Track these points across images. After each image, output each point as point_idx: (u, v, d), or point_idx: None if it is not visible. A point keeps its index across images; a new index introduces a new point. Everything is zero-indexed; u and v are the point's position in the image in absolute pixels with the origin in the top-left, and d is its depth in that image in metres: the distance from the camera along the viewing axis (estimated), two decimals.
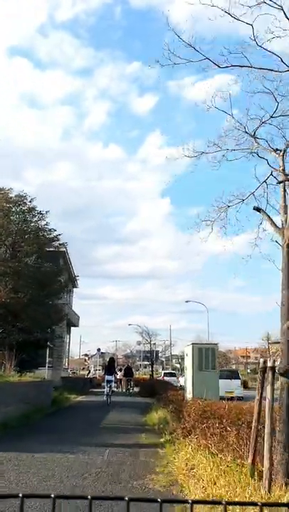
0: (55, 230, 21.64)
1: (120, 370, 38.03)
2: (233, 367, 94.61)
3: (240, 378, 28.23)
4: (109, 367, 23.06)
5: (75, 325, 36.20)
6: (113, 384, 23.24)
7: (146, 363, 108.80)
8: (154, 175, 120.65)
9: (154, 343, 38.11)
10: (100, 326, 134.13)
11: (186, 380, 14.91)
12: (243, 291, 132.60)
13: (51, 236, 21.05)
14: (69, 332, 36.09)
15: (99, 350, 55.18)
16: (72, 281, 37.02)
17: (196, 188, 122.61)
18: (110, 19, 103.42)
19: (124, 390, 34.58)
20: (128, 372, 34.51)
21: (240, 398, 21.07)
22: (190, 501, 0.91)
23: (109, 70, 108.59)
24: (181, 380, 37.49)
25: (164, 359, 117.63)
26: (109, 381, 21.92)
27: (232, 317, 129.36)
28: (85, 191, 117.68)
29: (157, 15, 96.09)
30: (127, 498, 0.90)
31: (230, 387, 23.53)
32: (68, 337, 36.13)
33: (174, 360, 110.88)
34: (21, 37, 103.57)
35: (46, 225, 20.83)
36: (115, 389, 26.21)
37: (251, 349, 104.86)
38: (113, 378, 23.19)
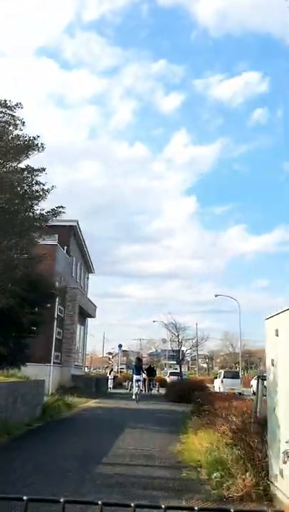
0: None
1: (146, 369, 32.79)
2: (261, 368, 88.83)
3: (240, 378, 33.68)
4: (137, 367, 23.15)
5: (91, 315, 30.33)
6: (141, 384, 23.14)
7: (172, 362, 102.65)
8: (179, 173, 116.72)
9: (182, 340, 31.65)
10: (123, 324, 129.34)
11: (270, 382, 9.05)
12: (268, 291, 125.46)
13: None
14: (84, 324, 30.22)
15: (120, 346, 49.56)
16: (86, 265, 31.19)
17: (222, 186, 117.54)
18: (137, 18, 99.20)
19: (147, 391, 29.56)
20: (150, 372, 29.98)
21: (240, 394, 24.72)
22: (196, 508, 0.89)
23: (135, 69, 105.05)
24: (216, 383, 31.65)
25: (189, 359, 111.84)
26: (137, 381, 22.22)
27: (257, 317, 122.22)
28: (109, 190, 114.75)
29: (184, 13, 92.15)
30: (132, 505, 0.89)
31: (233, 385, 28.68)
32: (83, 329, 30.24)
33: (200, 360, 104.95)
34: (48, 38, 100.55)
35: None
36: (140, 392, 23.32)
37: None
38: (141, 378, 23.13)
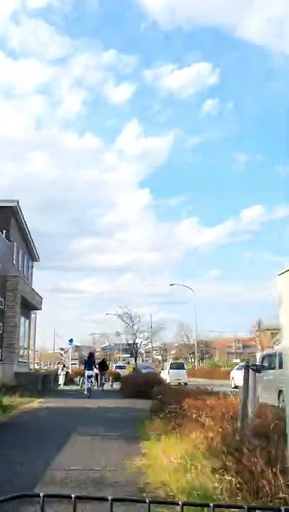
0: None
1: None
2: (216, 358, 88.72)
3: (185, 369, 35.03)
4: (89, 362, 22.68)
5: (37, 307, 27.64)
6: (93, 379, 23.11)
7: (126, 355, 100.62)
8: (132, 165, 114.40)
9: (136, 332, 29.40)
10: (77, 320, 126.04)
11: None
12: (221, 281, 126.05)
13: None
14: (28, 316, 27.48)
15: (71, 341, 47.00)
16: (30, 252, 28.41)
17: (176, 177, 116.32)
18: (86, 7, 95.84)
19: (99, 388, 27.46)
20: (102, 366, 28.01)
21: (185, 384, 27.07)
22: (180, 503, 0.88)
23: (85, 59, 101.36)
24: (163, 375, 29.84)
25: (143, 351, 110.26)
26: (89, 376, 21.85)
27: (211, 307, 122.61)
28: (61, 182, 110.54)
29: (133, 2, 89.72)
30: (147, 501, 0.92)
31: (179, 375, 30.25)
32: (28, 322, 27.51)
33: (154, 352, 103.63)
34: None
35: None
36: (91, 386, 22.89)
37: (234, 339, 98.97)
38: (93, 373, 22.89)
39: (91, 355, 24.03)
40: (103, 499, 0.94)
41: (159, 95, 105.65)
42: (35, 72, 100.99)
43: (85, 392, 20.84)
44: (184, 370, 33.47)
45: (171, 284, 49.47)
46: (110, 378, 30.25)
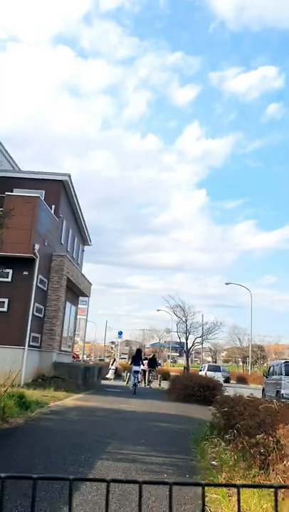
0: None
1: (146, 359, 28.24)
2: (269, 362, 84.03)
3: (221, 371, 35.98)
4: (137, 357, 21.32)
5: (85, 294, 25.29)
6: (139, 376, 22.07)
7: (174, 354, 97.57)
8: (190, 166, 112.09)
9: (189, 327, 26.02)
10: (128, 315, 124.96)
11: None
12: (276, 288, 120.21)
13: None
14: (75, 303, 25.20)
15: (120, 333, 44.64)
16: (81, 234, 26.08)
17: (234, 180, 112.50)
18: (155, 8, 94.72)
19: (146, 385, 25.97)
20: (152, 363, 26.54)
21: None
22: (203, 483, 0.87)
23: (152, 59, 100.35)
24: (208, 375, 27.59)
25: (193, 352, 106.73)
26: (136, 371, 20.88)
27: (264, 313, 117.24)
28: (120, 181, 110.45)
29: (202, 4, 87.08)
30: (108, 479, 0.86)
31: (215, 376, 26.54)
32: (75, 309, 25.24)
33: (203, 353, 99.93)
34: (65, 25, 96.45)
35: None
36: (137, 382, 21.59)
37: (286, 345, 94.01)
38: (140, 369, 21.62)
39: (139, 351, 22.73)
40: (101, 480, 0.87)
41: (222, 98, 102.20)
42: (103, 73, 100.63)
43: (131, 388, 20.29)
44: (220, 373, 34.09)
45: (227, 283, 45.91)
46: (159, 376, 27.54)
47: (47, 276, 18.96)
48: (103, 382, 26.43)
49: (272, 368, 20.84)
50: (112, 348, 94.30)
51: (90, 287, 26.19)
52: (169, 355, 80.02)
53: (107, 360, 75.58)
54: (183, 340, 25.19)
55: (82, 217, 24.77)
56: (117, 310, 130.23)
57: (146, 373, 26.13)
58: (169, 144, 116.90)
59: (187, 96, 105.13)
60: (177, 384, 18.54)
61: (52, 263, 19.27)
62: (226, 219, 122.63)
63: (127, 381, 26.35)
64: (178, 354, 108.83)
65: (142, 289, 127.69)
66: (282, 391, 16.79)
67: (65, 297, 21.01)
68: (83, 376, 19.07)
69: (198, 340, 25.66)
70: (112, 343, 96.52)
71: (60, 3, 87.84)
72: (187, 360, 27.64)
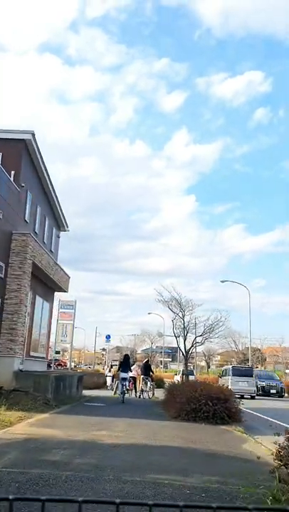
0: None
1: (134, 364, 23.87)
2: (263, 366, 79.83)
3: (253, 375, 27.60)
4: (124, 363, 19.03)
5: (62, 288, 20.61)
6: (127, 383, 19.82)
7: (167, 359, 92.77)
8: (179, 172, 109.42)
9: (188, 325, 20.95)
10: (119, 321, 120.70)
11: None
12: (265, 291, 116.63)
13: None
14: (49, 299, 20.50)
15: (108, 337, 40.04)
16: (55, 217, 21.43)
17: (223, 185, 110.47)
18: (141, 15, 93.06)
19: (137, 395, 21.73)
20: (146, 370, 21.72)
21: (252, 397, 24.96)
22: (214, 506, 0.84)
23: (139, 66, 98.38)
24: (221, 382, 23.99)
25: (193, 353, 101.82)
26: (124, 379, 18.56)
27: (254, 316, 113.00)
28: (109, 187, 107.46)
29: (188, 11, 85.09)
30: (117, 501, 0.82)
31: (246, 386, 25.25)
32: (49, 307, 20.56)
33: (197, 358, 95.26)
34: (52, 33, 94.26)
35: None
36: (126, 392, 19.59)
37: (280, 348, 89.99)
38: (128, 376, 19.39)
39: (127, 357, 20.07)
40: (110, 502, 0.86)
41: (209, 103, 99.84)
42: (90, 80, 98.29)
43: (119, 397, 18.25)
44: (253, 379, 26.02)
45: (223, 281, 41.62)
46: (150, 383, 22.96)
47: (5, 261, 14.35)
48: (89, 393, 21.84)
49: (224, 371, 28.67)
50: (102, 355, 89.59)
51: (68, 281, 21.52)
52: (161, 361, 75.19)
53: (98, 367, 70.67)
54: (180, 340, 20.56)
55: (55, 196, 20.16)
56: (108, 317, 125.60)
57: (140, 382, 21.54)
58: (158, 150, 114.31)
59: (174, 102, 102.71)
60: (177, 395, 13.94)
61: (11, 244, 14.65)
62: (216, 223, 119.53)
63: (115, 391, 21.78)
64: (170, 359, 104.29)
65: (132, 296, 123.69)
66: (230, 386, 19.88)
67: (33, 289, 16.40)
68: (55, 388, 14.39)
69: (199, 339, 20.73)
70: (104, 349, 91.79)
71: (46, 11, 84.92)
72: (186, 364, 22.74)
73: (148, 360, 22.85)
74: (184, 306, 20.52)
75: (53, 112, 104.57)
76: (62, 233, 22.26)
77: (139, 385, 21.43)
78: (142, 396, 20.85)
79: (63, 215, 21.56)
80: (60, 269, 20.02)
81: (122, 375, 18.77)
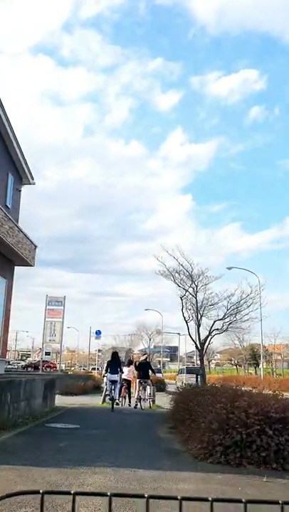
0: None
1: (130, 364, 17.67)
2: (265, 364, 74.06)
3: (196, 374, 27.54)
4: (113, 362, 14.53)
5: (25, 260, 14.50)
6: (118, 386, 14.68)
7: (166, 359, 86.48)
8: (175, 171, 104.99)
9: (202, 305, 14.36)
10: (118, 322, 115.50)
11: None
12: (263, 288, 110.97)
13: None
14: (6, 274, 14.38)
15: (98, 332, 33.95)
16: (12, 160, 15.29)
17: (219, 183, 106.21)
18: (135, 15, 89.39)
19: (132, 404, 15.37)
20: (144, 370, 15.45)
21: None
22: (179, 498, 0.84)
23: (133, 67, 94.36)
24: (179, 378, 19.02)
25: (184, 355, 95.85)
26: (113, 382, 14.03)
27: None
28: (105, 188, 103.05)
29: (182, 10, 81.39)
30: (109, 494, 0.81)
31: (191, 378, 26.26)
32: (5, 287, 14.44)
33: (194, 357, 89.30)
34: (45, 35, 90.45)
35: None
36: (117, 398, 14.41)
37: (282, 345, 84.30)
38: (117, 378, 14.44)
39: (115, 354, 15.51)
40: (102, 494, 0.85)
41: (205, 102, 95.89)
42: (84, 80, 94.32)
43: (106, 401, 14.74)
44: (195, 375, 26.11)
45: (229, 268, 35.66)
46: (153, 390, 16.90)
47: None
48: (72, 400, 16.07)
49: (180, 370, 36.01)
50: (98, 356, 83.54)
51: (34, 251, 15.43)
52: (160, 361, 68.93)
53: (93, 370, 64.33)
54: (192, 325, 14.10)
55: (15, 139, 14.20)
56: (106, 318, 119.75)
57: (136, 387, 15.40)
58: (154, 150, 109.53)
59: (170, 101, 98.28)
60: (197, 412, 7.85)
61: None
62: (213, 222, 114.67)
63: (103, 399, 15.72)
64: (169, 359, 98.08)
65: (131, 296, 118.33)
66: (184, 381, 24.06)
67: None
68: None
69: (218, 325, 14.05)
70: (99, 351, 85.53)
71: (39, 12, 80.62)
72: (202, 361, 15.79)
73: (147, 357, 16.69)
74: (196, 278, 14.31)
75: (47, 114, 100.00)
76: (26, 187, 16.15)
77: (136, 391, 15.35)
78: (138, 405, 14.84)
79: (27, 165, 15.50)
80: (19, 230, 13.95)
81: (111, 377, 14.17)
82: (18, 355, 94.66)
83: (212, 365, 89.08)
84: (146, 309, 60.95)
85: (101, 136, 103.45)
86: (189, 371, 30.78)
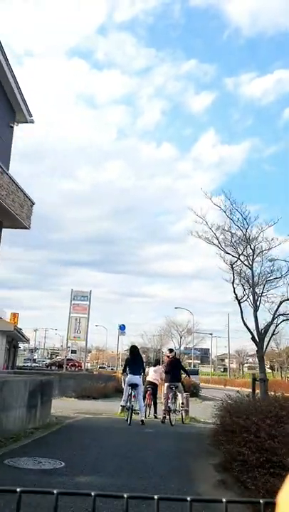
0: None
1: (157, 364, 13.86)
2: None
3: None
4: (133, 360, 10.73)
5: (19, 221, 10.59)
6: (141, 391, 10.60)
7: (196, 361, 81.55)
8: (207, 173, 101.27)
9: (260, 269, 9.76)
10: (147, 323, 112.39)
11: None
12: None
13: None
14: None
15: (123, 327, 30.03)
16: (4, 95, 11.40)
17: (251, 185, 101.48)
18: (169, 18, 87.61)
19: (155, 415, 11.64)
20: (175, 370, 10.96)
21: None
22: (188, 499, 0.78)
23: (167, 69, 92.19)
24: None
25: (215, 358, 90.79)
26: (133, 386, 10.17)
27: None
28: (135, 190, 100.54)
29: (216, 12, 79.35)
30: (125, 496, 0.77)
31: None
32: None
33: (225, 360, 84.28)
34: (80, 38, 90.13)
35: None
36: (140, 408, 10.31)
37: None
38: (140, 381, 10.56)
39: (134, 348, 11.62)
40: (86, 494, 0.80)
41: (238, 104, 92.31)
42: (118, 83, 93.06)
43: (125, 414, 10.22)
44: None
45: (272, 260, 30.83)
46: (184, 399, 12.59)
47: None
48: (84, 405, 12.40)
49: None
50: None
51: (31, 209, 11.44)
52: (191, 363, 64.25)
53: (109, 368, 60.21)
54: (247, 307, 9.61)
55: (9, 68, 10.36)
56: (134, 318, 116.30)
57: (165, 390, 11.11)
58: (185, 152, 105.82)
59: (202, 103, 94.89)
60: (274, 451, 3.67)
61: None
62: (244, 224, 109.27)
63: (122, 408, 11.50)
64: (199, 361, 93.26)
65: (159, 297, 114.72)
66: None
67: None
68: None
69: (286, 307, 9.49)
70: (127, 350, 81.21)
71: (74, 16, 79.69)
72: (261, 361, 10.21)
73: (175, 354, 12.34)
74: (252, 241, 9.73)
75: (81, 116, 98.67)
76: (21, 125, 12.19)
77: (164, 398, 11.12)
78: (166, 419, 10.62)
79: (23, 99, 11.58)
80: (10, 179, 9.98)
81: (131, 379, 10.35)
82: (48, 353, 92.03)
83: (245, 369, 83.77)
84: (176, 307, 56.71)
85: (133, 139, 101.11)
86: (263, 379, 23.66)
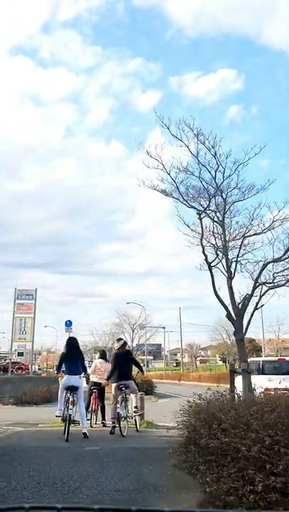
0: None
1: (103, 357, 10.56)
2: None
3: None
4: (70, 356, 8.26)
5: None
6: (82, 395, 8.22)
7: (149, 357, 79.49)
8: (155, 171, 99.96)
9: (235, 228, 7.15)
10: (100, 322, 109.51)
11: None
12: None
13: None
14: None
15: (69, 323, 27.30)
16: None
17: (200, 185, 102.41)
18: (114, 17, 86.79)
19: (102, 422, 9.12)
20: (124, 365, 8.24)
21: None
22: (166, 509, 0.81)
23: (113, 67, 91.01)
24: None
25: (168, 354, 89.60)
26: (72, 388, 7.82)
27: None
28: (85, 189, 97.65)
29: (159, 12, 79.47)
30: (96, 507, 0.80)
31: None
32: None
33: (178, 354, 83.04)
34: (24, 36, 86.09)
35: None
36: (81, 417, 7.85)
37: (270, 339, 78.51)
38: (81, 383, 8.31)
39: (72, 340, 8.82)
40: (89, 509, 0.83)
41: (183, 102, 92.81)
42: (64, 81, 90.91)
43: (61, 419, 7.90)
44: None
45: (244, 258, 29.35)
46: (139, 399, 10.13)
47: None
48: (29, 413, 9.88)
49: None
50: None
51: None
52: (144, 359, 62.09)
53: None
54: (218, 273, 7.34)
55: None
56: (89, 319, 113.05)
57: (113, 392, 8.58)
58: (134, 150, 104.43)
59: (149, 102, 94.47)
60: None
61: None
62: (192, 221, 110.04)
63: (61, 416, 8.81)
64: (152, 357, 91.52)
65: (113, 297, 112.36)
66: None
67: None
68: None
69: (278, 274, 6.90)
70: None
71: (16, 14, 76.32)
72: (240, 338, 7.96)
73: (125, 344, 9.64)
74: (225, 189, 7.07)
75: (26, 115, 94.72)
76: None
77: (114, 402, 8.58)
78: (116, 427, 8.17)
79: None
80: None
81: (68, 379, 7.91)
82: None
83: (197, 362, 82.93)
84: (128, 303, 54.43)
85: (82, 137, 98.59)
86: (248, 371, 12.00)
